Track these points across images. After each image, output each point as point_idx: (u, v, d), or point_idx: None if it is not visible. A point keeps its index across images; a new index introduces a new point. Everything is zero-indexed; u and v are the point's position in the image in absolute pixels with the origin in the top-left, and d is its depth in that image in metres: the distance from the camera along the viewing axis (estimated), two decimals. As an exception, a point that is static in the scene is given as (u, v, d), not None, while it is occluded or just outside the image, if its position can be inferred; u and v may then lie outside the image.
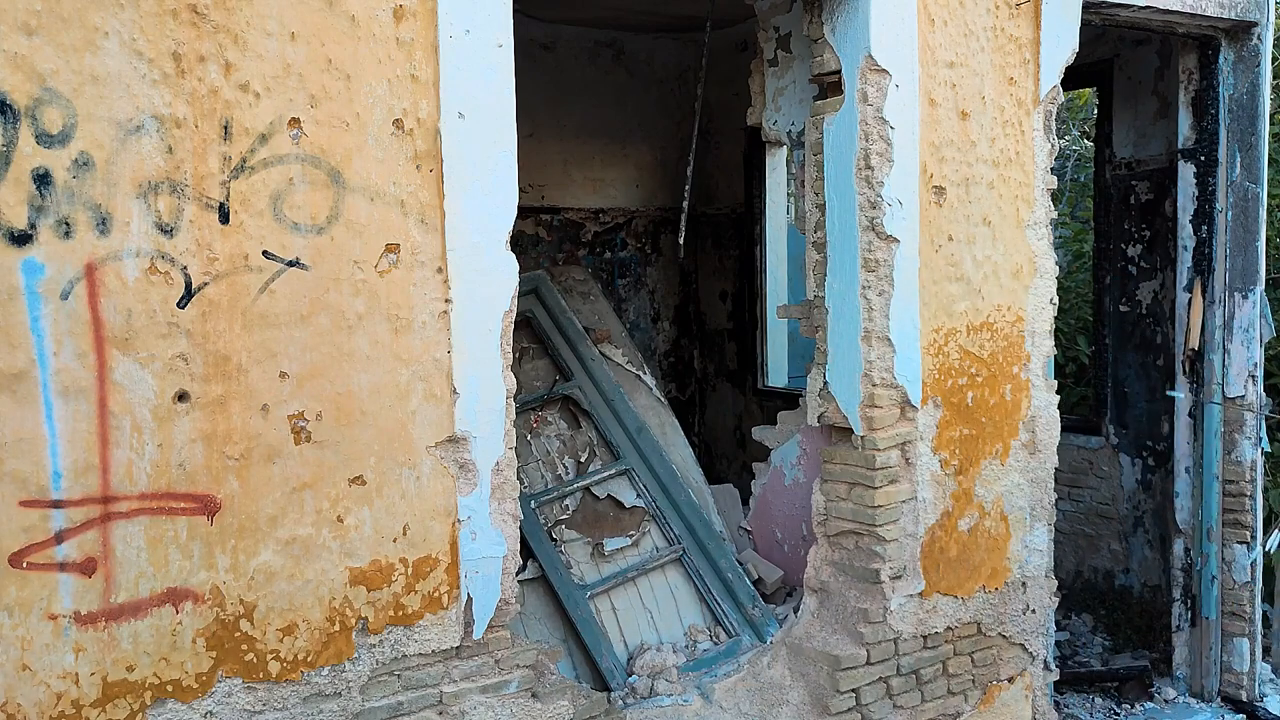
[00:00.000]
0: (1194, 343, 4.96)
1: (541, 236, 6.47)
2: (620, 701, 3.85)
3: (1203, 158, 4.95)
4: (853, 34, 3.85)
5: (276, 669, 2.97)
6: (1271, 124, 6.91)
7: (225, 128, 2.80)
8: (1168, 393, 5.15)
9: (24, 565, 2.63)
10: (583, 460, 4.73)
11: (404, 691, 3.17)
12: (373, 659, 3.11)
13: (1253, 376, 4.91)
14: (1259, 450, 4.96)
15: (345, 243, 2.99)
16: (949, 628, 4.19)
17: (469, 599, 3.24)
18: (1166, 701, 5.09)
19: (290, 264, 2.91)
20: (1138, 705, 5.08)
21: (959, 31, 4.01)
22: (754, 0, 4.57)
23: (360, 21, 2.96)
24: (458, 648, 3.25)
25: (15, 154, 2.56)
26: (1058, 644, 5.48)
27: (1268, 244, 5.60)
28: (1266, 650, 5.60)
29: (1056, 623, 5.68)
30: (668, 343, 7.09)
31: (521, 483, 4.41)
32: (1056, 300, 4.40)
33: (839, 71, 3.93)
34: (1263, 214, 4.94)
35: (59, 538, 2.67)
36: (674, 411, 5.20)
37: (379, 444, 3.08)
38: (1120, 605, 5.77)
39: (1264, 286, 4.96)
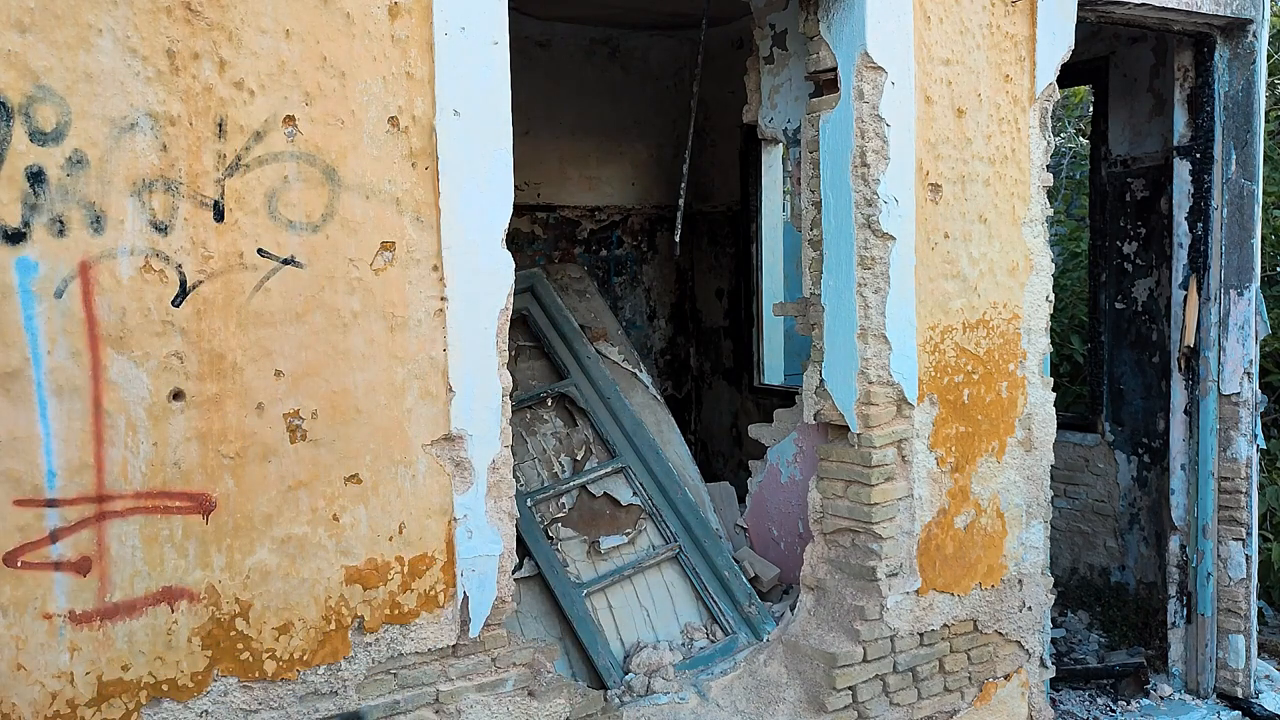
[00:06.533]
0: (1189, 340, 4.96)
1: (537, 234, 6.46)
2: (617, 699, 3.85)
3: (1198, 155, 4.95)
4: (849, 31, 3.85)
5: (272, 668, 2.96)
6: (1267, 121, 6.93)
7: (220, 125, 2.79)
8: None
9: (18, 564, 2.63)
10: (579, 458, 4.73)
11: (400, 690, 3.17)
12: (369, 658, 3.11)
13: (1248, 374, 4.92)
14: (1254, 447, 4.96)
15: (340, 240, 2.98)
16: (945, 625, 4.19)
17: (465, 597, 3.24)
18: (1162, 698, 5.10)
19: (285, 262, 2.90)
20: (1134, 702, 5.09)
21: (955, 29, 4.01)
22: (750, -3, 4.57)
23: (355, 19, 2.95)
24: (454, 646, 3.25)
25: (9, 152, 2.55)
26: (1054, 641, 5.49)
27: (1263, 241, 5.60)
28: (1262, 647, 5.62)
29: (1053, 620, 5.70)
30: (664, 340, 7.09)
31: (518, 481, 4.40)
32: (1052, 297, 4.40)
33: (835, 69, 3.93)
34: (1258, 211, 4.94)
35: (54, 537, 2.66)
36: (670, 409, 5.20)
37: (375, 442, 3.07)
38: (1116, 602, 5.78)
39: (1259, 283, 4.97)
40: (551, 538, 4.38)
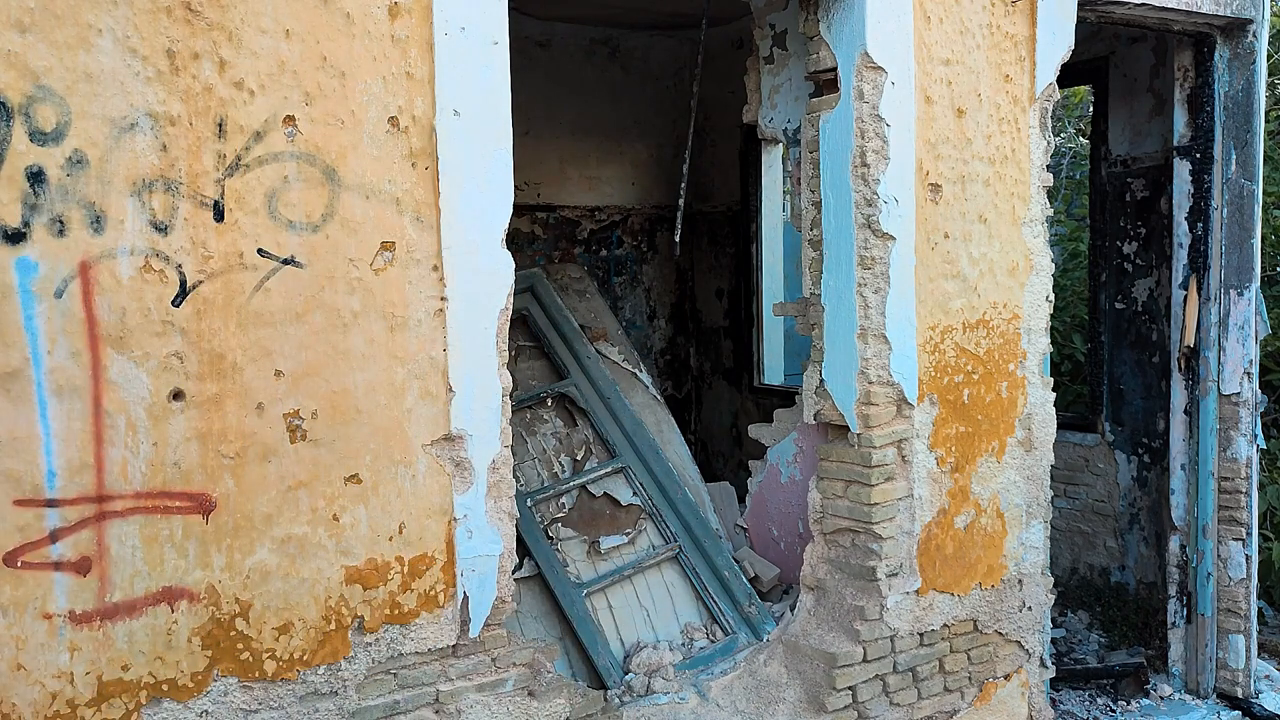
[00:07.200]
0: (1190, 340, 4.96)
1: (537, 234, 6.46)
2: (617, 699, 3.85)
3: (1198, 155, 4.95)
4: (849, 31, 3.85)
5: (272, 668, 2.96)
6: (1267, 121, 6.93)
7: (220, 125, 2.79)
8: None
9: (18, 564, 2.63)
10: (579, 458, 4.73)
11: (400, 690, 3.17)
12: (369, 658, 3.11)
13: (1248, 373, 4.92)
14: (1254, 447, 4.96)
15: (340, 240, 2.98)
16: (945, 625, 4.19)
17: (465, 597, 3.24)
18: (1162, 698, 5.10)
19: (285, 262, 2.90)
20: (1134, 702, 5.09)
21: (955, 29, 4.01)
22: (750, -3, 4.57)
23: (355, 19, 2.95)
24: (454, 646, 3.25)
25: (9, 152, 2.55)
26: (1054, 641, 5.49)
27: (1263, 241, 5.60)
28: (1262, 647, 5.61)
29: (1053, 620, 5.70)
30: (664, 340, 7.09)
31: (518, 481, 4.40)
32: (1052, 297, 4.40)
33: (835, 69, 3.93)
34: (1258, 211, 4.94)
35: (54, 537, 2.66)
36: (670, 409, 5.20)
37: (375, 442, 3.07)
38: (1116, 602, 5.78)
39: (1259, 283, 4.97)
40: (551, 538, 4.38)
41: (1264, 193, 6.02)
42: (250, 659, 2.93)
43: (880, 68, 3.82)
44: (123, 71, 2.66)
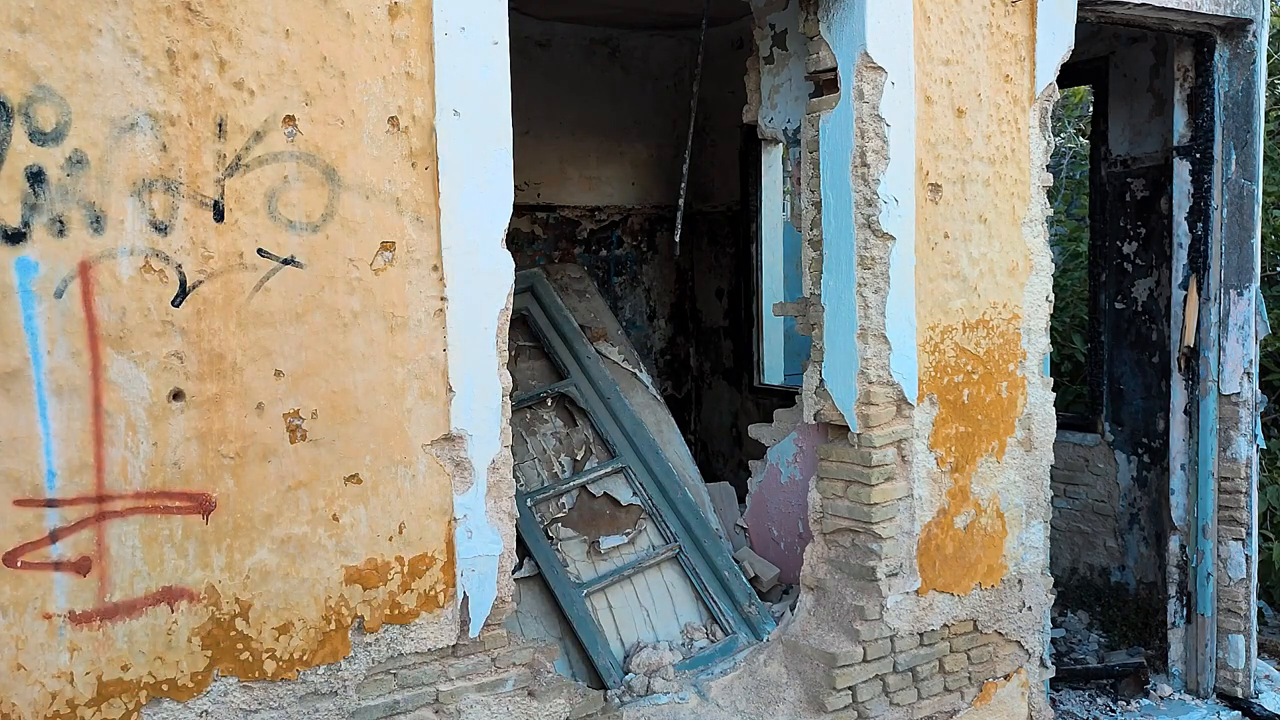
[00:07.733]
0: (1189, 340, 4.96)
1: (537, 234, 6.46)
2: (617, 699, 3.85)
3: (1198, 155, 4.95)
4: (849, 31, 3.85)
5: (272, 668, 2.96)
6: (1267, 121, 6.93)
7: (220, 125, 2.79)
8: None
9: (18, 564, 2.63)
10: (579, 458, 4.73)
11: (400, 690, 3.17)
12: (369, 658, 3.11)
13: (1248, 374, 4.92)
14: (1254, 447, 4.96)
15: (340, 240, 2.98)
16: (945, 625, 4.19)
17: (465, 597, 3.24)
18: (1162, 698, 5.10)
19: (285, 262, 2.91)
20: (1133, 702, 5.09)
21: (955, 29, 4.01)
22: (750, -3, 4.57)
23: (355, 19, 2.95)
24: (454, 646, 3.25)
25: (8, 152, 2.55)
26: (1054, 641, 5.49)
27: (1263, 241, 5.60)
28: (1262, 647, 5.61)
29: (1053, 620, 5.70)
30: (664, 340, 7.09)
31: (518, 481, 4.40)
32: (1052, 297, 4.40)
33: (835, 69, 3.93)
34: (1258, 211, 4.94)
35: (53, 537, 2.66)
36: (670, 409, 5.20)
37: (375, 442, 3.07)
38: (1116, 602, 5.78)
39: (1259, 283, 4.97)
40: (551, 538, 4.38)
41: (1264, 193, 6.03)
42: (250, 659, 2.93)
43: (880, 68, 3.82)
44: (123, 71, 2.66)
